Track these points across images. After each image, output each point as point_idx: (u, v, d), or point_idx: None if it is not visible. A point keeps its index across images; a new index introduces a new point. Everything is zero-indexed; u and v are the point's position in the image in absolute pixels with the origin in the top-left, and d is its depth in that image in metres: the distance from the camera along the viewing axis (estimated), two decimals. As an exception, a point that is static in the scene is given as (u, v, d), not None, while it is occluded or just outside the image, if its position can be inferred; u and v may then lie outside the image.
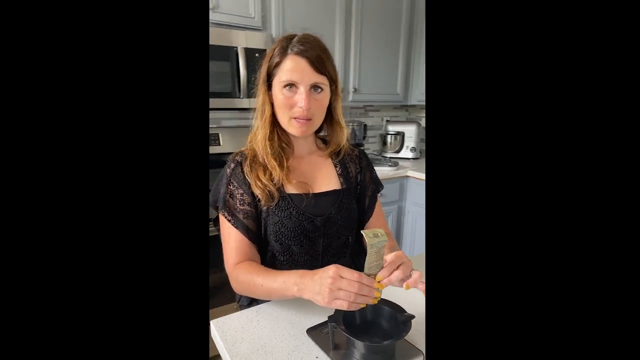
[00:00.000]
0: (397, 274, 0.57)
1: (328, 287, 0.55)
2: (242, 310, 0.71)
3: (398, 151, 2.43)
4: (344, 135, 0.84)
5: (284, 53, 0.72)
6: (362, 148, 2.19)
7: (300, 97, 0.71)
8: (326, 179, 0.83)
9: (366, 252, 0.56)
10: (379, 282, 0.57)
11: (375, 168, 1.95)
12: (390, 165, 2.06)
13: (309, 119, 0.74)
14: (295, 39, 0.73)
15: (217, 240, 0.81)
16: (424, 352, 0.58)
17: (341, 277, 0.55)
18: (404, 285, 0.58)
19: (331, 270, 0.56)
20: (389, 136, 2.43)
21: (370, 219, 0.88)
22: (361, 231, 0.59)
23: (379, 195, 0.91)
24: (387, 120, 2.57)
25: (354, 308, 0.55)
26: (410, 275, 0.59)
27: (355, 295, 0.54)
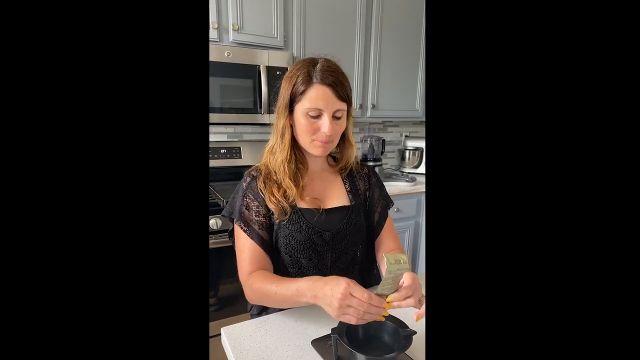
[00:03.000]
0: (409, 302, 0.60)
1: (338, 303, 0.58)
2: (252, 319, 0.75)
3: (417, 166, 2.43)
4: (354, 152, 0.88)
5: (309, 81, 0.75)
6: (380, 163, 2.22)
7: (325, 123, 0.76)
8: (336, 195, 0.86)
9: (380, 271, 0.59)
10: (388, 302, 0.60)
11: (393, 183, 2.00)
12: (407, 181, 2.07)
13: (330, 141, 0.79)
14: (318, 67, 0.76)
15: (232, 252, 0.86)
16: (425, 368, 0.60)
17: (352, 295, 0.57)
18: (415, 317, 0.60)
19: (342, 286, 0.58)
20: (407, 151, 2.44)
21: (382, 236, 0.90)
22: (384, 254, 0.61)
23: (394, 210, 0.93)
24: (406, 136, 2.58)
25: (360, 323, 0.58)
26: (420, 302, 0.61)
27: (363, 313, 0.57)
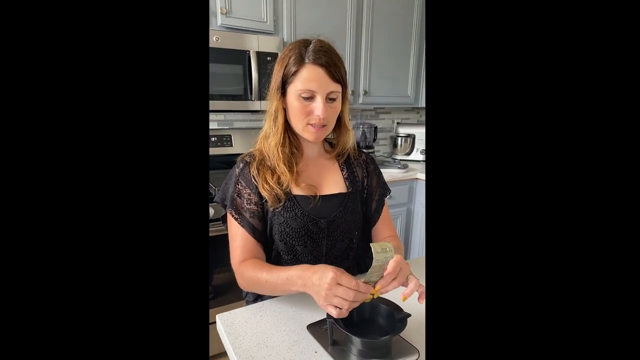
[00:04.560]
0: (394, 284, 0.60)
1: (325, 292, 0.57)
2: (247, 306, 0.75)
3: (408, 153, 2.43)
4: (350, 137, 0.87)
5: (301, 62, 0.73)
6: (372, 150, 2.21)
7: (318, 105, 0.73)
8: (332, 181, 0.85)
9: (371, 260, 0.59)
10: (375, 290, 0.60)
11: (385, 170, 2.00)
12: (399, 168, 2.07)
13: (324, 125, 0.76)
14: (311, 47, 0.73)
15: (225, 241, 0.85)
16: (420, 350, 0.60)
17: (339, 284, 0.57)
18: (401, 297, 0.61)
19: (329, 276, 0.57)
20: (399, 138, 2.44)
21: (378, 223, 0.90)
22: (370, 244, 0.60)
23: (387, 198, 0.93)
24: (398, 123, 2.57)
25: (343, 316, 0.57)
26: (407, 281, 0.62)
27: (350, 303, 0.56)
